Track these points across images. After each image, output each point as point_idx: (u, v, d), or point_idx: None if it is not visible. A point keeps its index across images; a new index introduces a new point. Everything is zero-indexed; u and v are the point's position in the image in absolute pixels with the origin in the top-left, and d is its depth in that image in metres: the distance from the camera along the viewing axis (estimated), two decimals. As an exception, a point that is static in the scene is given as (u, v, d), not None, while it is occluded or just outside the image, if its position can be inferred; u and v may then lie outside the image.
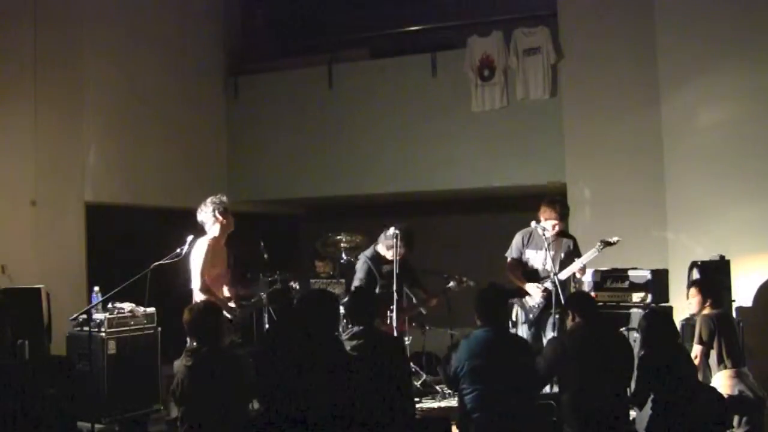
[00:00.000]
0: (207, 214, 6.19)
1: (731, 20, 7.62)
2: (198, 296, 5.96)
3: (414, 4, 10.34)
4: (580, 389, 4.84)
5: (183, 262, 6.06)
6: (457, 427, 4.79)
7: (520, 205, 7.07)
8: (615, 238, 6.37)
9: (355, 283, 6.77)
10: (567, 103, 8.53)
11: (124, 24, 8.75)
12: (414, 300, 7.34)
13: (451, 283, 7.32)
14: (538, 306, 6.53)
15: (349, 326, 5.02)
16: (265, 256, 7.37)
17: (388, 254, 6.72)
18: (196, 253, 6.03)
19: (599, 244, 6.37)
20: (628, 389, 5.22)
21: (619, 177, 8.19)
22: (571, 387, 4.87)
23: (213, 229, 6.18)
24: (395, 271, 6.61)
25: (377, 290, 6.67)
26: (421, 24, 9.86)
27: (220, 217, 6.16)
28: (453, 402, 7.24)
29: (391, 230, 6.60)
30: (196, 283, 6.01)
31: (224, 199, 6.30)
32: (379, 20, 10.23)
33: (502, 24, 9.00)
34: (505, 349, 4.75)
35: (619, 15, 8.27)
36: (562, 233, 6.77)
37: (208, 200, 6.24)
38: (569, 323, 5.16)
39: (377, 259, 6.84)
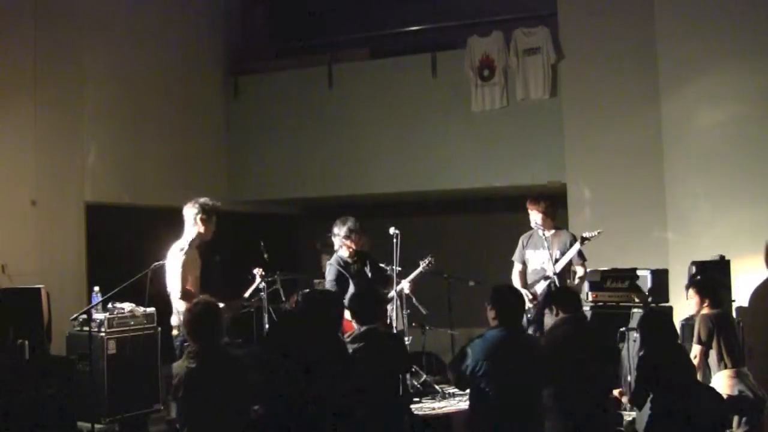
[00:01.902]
0: (190, 214, 6.04)
1: (731, 20, 7.63)
2: (179, 304, 5.84)
3: (414, 4, 10.34)
4: (563, 383, 4.85)
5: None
6: (468, 428, 4.78)
7: (520, 205, 7.08)
8: (595, 231, 6.51)
9: (327, 286, 6.79)
10: (567, 103, 8.53)
11: (124, 24, 8.75)
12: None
13: (421, 265, 7.30)
14: (535, 305, 6.58)
15: None
16: (265, 255, 7.38)
17: (347, 252, 6.77)
18: (174, 259, 5.89)
19: (580, 239, 6.54)
20: (611, 384, 5.25)
21: (619, 177, 8.19)
22: (554, 381, 4.88)
23: (191, 231, 6.03)
24: (395, 270, 6.61)
25: (351, 290, 6.70)
26: (421, 24, 9.86)
27: (200, 224, 6.01)
28: (453, 402, 7.26)
29: (392, 230, 6.69)
30: (176, 290, 5.88)
31: (215, 204, 6.15)
32: (379, 20, 10.23)
33: (502, 24, 9.00)
34: (521, 349, 4.75)
35: (619, 15, 8.27)
36: (560, 231, 6.84)
37: (201, 200, 6.08)
38: (548, 318, 5.19)
39: (344, 263, 6.84)
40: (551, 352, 4.96)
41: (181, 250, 5.91)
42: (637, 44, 8.13)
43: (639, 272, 6.87)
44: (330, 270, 6.81)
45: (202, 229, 6.02)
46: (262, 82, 10.14)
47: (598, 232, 6.49)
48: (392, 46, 9.94)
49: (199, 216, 5.99)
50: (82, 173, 8.18)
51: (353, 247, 6.75)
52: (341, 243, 6.78)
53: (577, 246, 6.54)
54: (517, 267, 6.97)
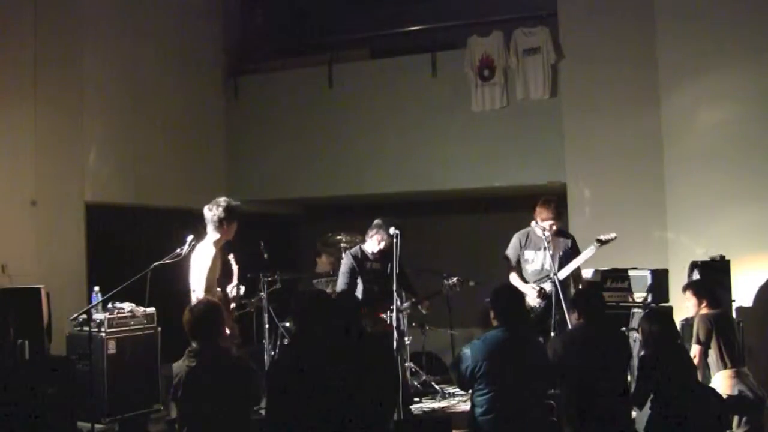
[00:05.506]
0: (212, 216, 5.95)
1: (731, 20, 7.63)
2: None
3: (414, 4, 10.34)
4: (581, 389, 4.84)
5: (183, 263, 6.05)
6: (469, 428, 4.79)
7: (520, 205, 7.08)
8: (612, 235, 6.37)
9: (339, 278, 6.76)
10: (567, 103, 8.53)
11: (124, 24, 8.75)
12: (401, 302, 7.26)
13: (447, 282, 7.25)
14: (539, 306, 6.50)
15: None
16: (265, 256, 7.38)
17: (377, 247, 6.71)
18: (201, 259, 5.87)
19: (596, 242, 6.38)
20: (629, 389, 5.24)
21: (619, 177, 8.19)
22: (572, 386, 4.88)
23: (215, 233, 5.98)
24: (395, 271, 6.58)
25: (361, 288, 6.67)
26: (421, 24, 9.85)
27: (224, 226, 5.94)
28: (453, 402, 7.27)
29: (392, 229, 6.40)
30: (200, 288, 5.83)
31: (237, 205, 6.08)
32: (379, 20, 10.23)
33: (502, 24, 9.00)
34: (521, 350, 4.75)
35: (619, 15, 8.28)
36: (560, 232, 6.76)
37: (222, 202, 5.97)
38: (573, 320, 5.16)
39: (361, 257, 6.79)
40: (566, 354, 4.94)
41: (208, 251, 5.90)
42: (637, 44, 8.14)
43: (639, 272, 6.86)
44: (345, 263, 6.79)
45: (225, 231, 5.98)
46: (262, 83, 10.14)
47: (614, 236, 6.37)
48: (392, 46, 9.94)
49: (223, 218, 5.93)
50: (82, 173, 8.18)
51: (372, 253, 6.70)
52: (372, 237, 6.71)
53: (592, 249, 6.39)
54: (511, 265, 6.74)
